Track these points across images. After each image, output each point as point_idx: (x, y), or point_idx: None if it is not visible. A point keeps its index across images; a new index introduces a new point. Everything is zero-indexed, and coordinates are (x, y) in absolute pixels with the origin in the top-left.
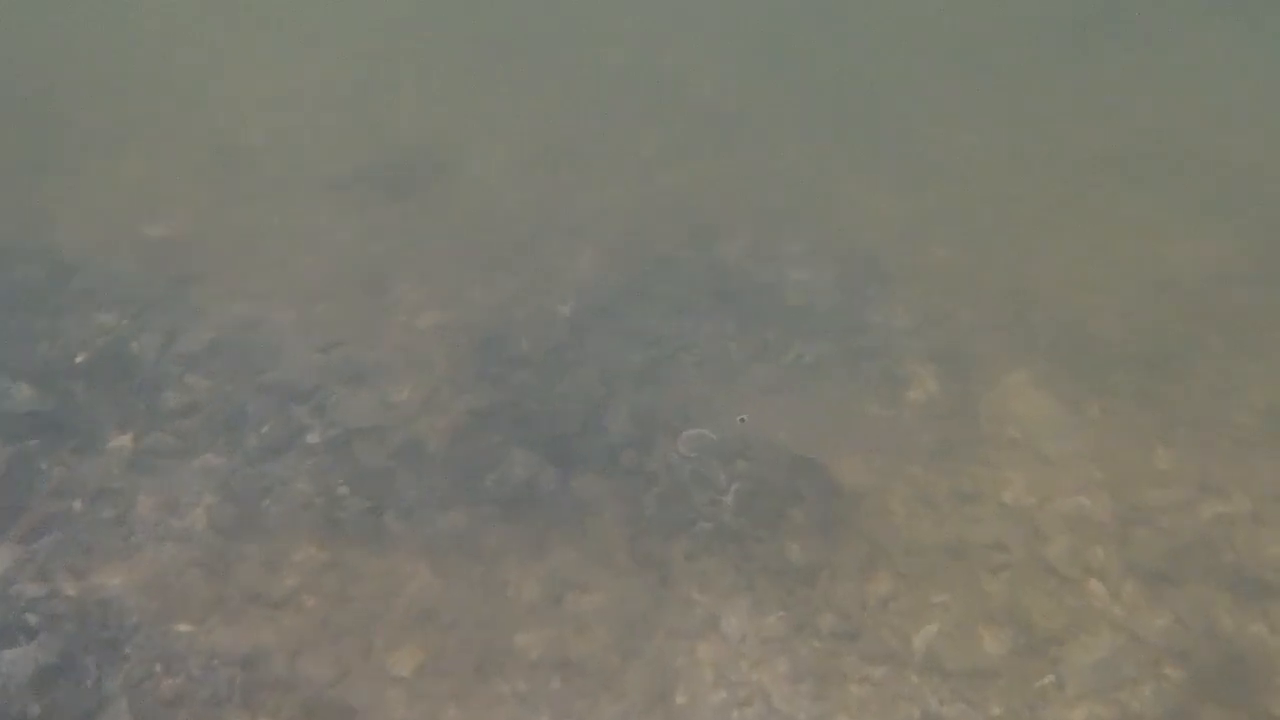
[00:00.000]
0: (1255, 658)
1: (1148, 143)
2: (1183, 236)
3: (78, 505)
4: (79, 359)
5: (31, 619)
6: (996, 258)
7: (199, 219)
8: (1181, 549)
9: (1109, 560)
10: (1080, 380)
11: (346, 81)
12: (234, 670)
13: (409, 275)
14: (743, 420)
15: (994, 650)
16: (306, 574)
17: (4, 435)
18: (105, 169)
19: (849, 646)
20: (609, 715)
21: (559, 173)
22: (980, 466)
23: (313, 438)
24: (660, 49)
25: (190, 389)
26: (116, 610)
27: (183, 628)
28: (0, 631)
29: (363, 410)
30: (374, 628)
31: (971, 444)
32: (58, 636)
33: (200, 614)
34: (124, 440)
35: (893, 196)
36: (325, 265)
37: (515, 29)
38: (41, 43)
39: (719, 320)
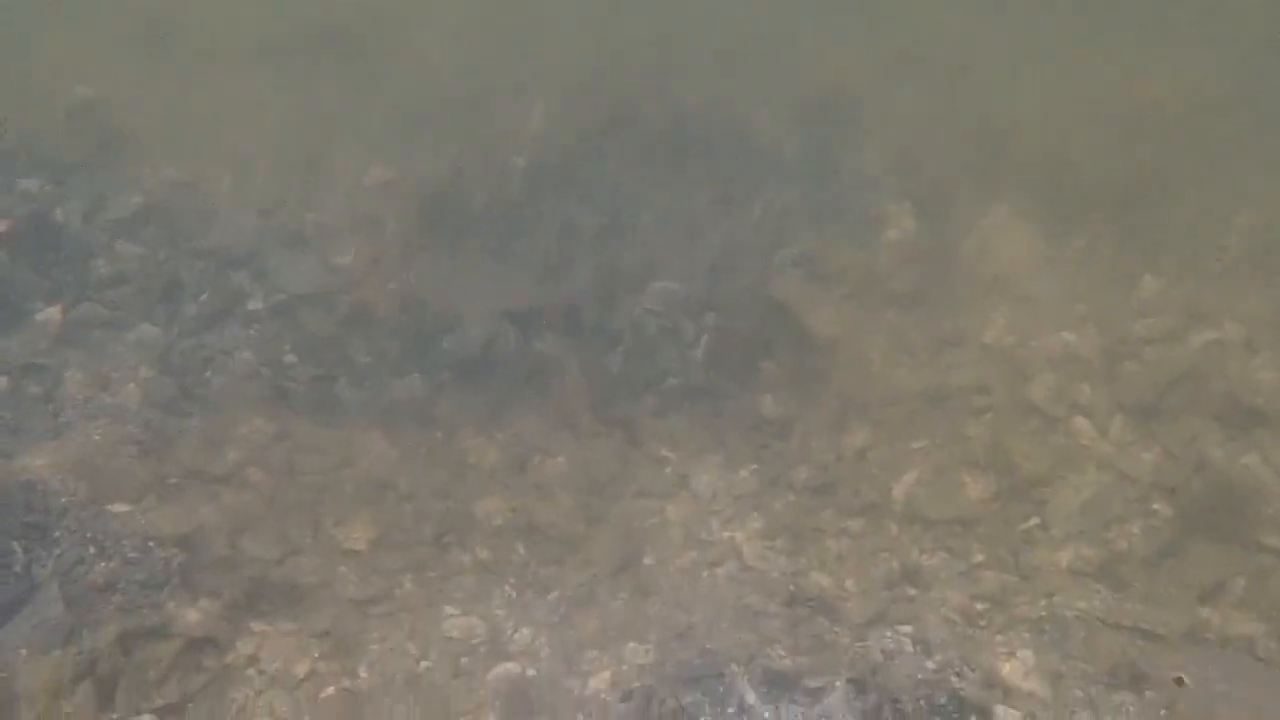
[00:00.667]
0: (1246, 488)
1: None
2: (1162, 64)
3: (2, 382)
4: (0, 228)
5: None
6: (970, 94)
7: (127, 81)
8: (1171, 381)
9: (1095, 397)
10: (1062, 215)
11: None
12: (172, 551)
13: (352, 134)
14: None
15: (976, 496)
16: (252, 448)
17: None
18: (25, 32)
19: (825, 500)
20: (576, 581)
21: (506, 27)
22: (959, 309)
23: (255, 305)
24: None
25: (121, 257)
26: (44, 492)
27: (117, 508)
28: None
29: (307, 275)
30: (324, 502)
31: (950, 286)
32: None
33: (135, 494)
34: (51, 313)
35: (857, 36)
36: (263, 126)
37: None
38: None
39: (681, 170)
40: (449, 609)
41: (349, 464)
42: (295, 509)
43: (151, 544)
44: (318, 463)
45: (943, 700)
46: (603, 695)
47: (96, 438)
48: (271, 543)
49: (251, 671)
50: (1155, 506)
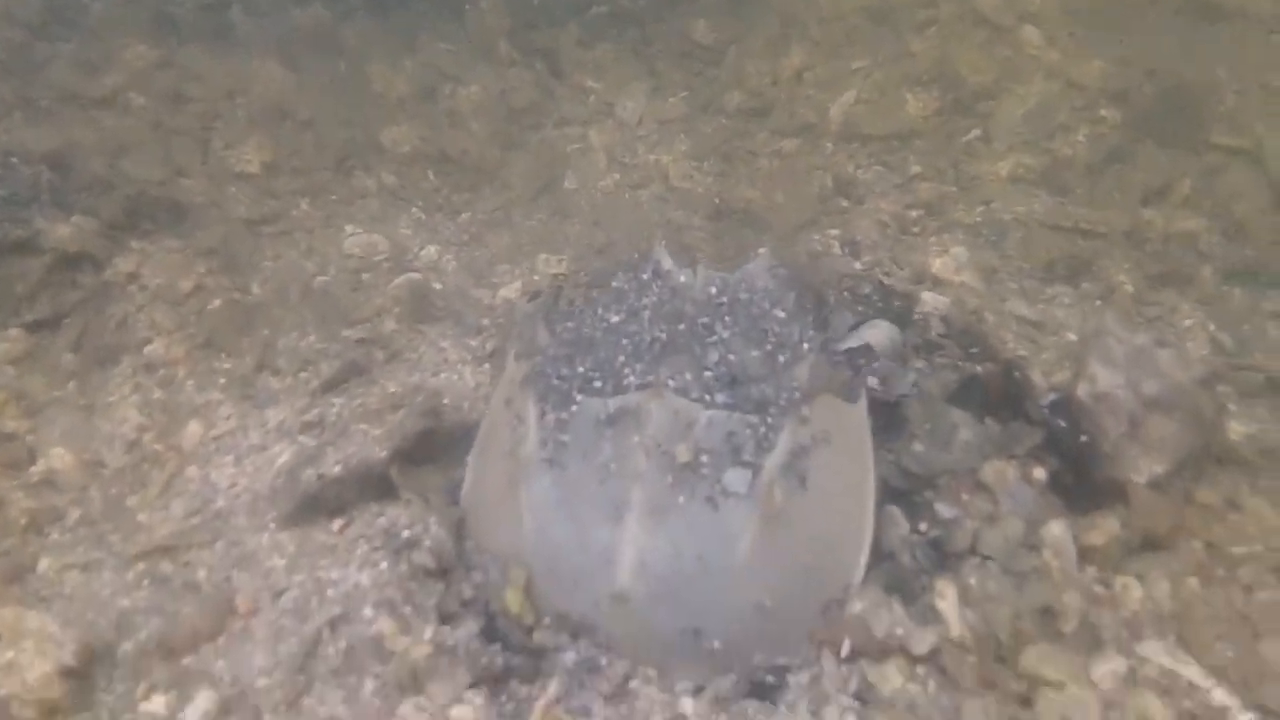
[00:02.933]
0: (1199, 88)
1: None
2: None
3: None
4: None
5: None
6: None
7: None
8: None
9: (1046, 3)
10: None
11: None
12: (40, 169)
13: None
14: None
15: (917, 112)
16: (134, 73)
17: None
18: None
19: (758, 123)
20: (490, 206)
21: None
22: None
23: None
24: None
25: None
26: None
27: None
28: None
29: None
30: (215, 127)
31: None
32: None
33: None
34: None
35: None
36: None
37: None
38: None
39: None
40: (350, 228)
41: (242, 92)
42: (182, 133)
43: (15, 160)
44: (208, 89)
45: (867, 290)
46: (510, 300)
47: None
48: (154, 164)
49: (133, 288)
50: (1103, 113)
